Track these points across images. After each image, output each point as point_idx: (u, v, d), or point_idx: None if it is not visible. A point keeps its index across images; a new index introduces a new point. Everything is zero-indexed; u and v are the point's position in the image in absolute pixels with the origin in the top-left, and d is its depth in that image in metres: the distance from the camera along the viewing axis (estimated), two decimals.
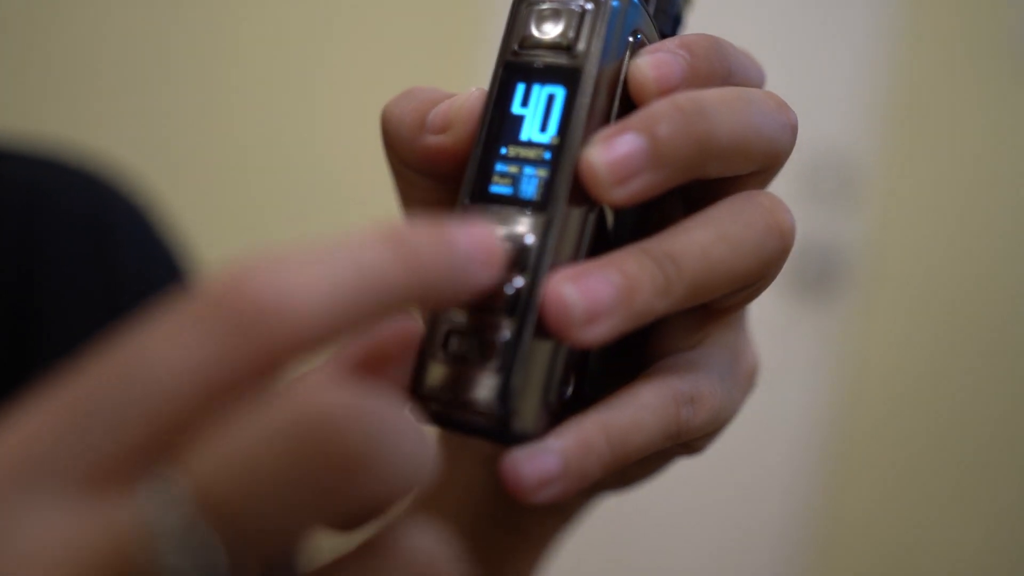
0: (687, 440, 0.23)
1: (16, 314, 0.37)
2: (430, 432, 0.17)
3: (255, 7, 1.32)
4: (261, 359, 0.15)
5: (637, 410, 0.21)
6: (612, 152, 0.20)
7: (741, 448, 1.55)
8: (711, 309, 0.24)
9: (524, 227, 0.20)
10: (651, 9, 0.24)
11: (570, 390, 0.22)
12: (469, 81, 0.24)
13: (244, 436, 0.14)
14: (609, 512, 1.64)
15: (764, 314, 1.58)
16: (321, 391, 0.15)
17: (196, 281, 0.45)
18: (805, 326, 1.49)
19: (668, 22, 0.25)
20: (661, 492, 1.74)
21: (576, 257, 0.21)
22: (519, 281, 0.20)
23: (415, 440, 0.15)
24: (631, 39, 0.21)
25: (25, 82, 1.20)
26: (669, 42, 0.22)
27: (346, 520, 0.17)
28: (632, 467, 0.26)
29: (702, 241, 0.20)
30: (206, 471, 0.14)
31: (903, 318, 1.41)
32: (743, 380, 0.25)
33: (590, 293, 0.19)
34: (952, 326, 1.38)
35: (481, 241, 0.18)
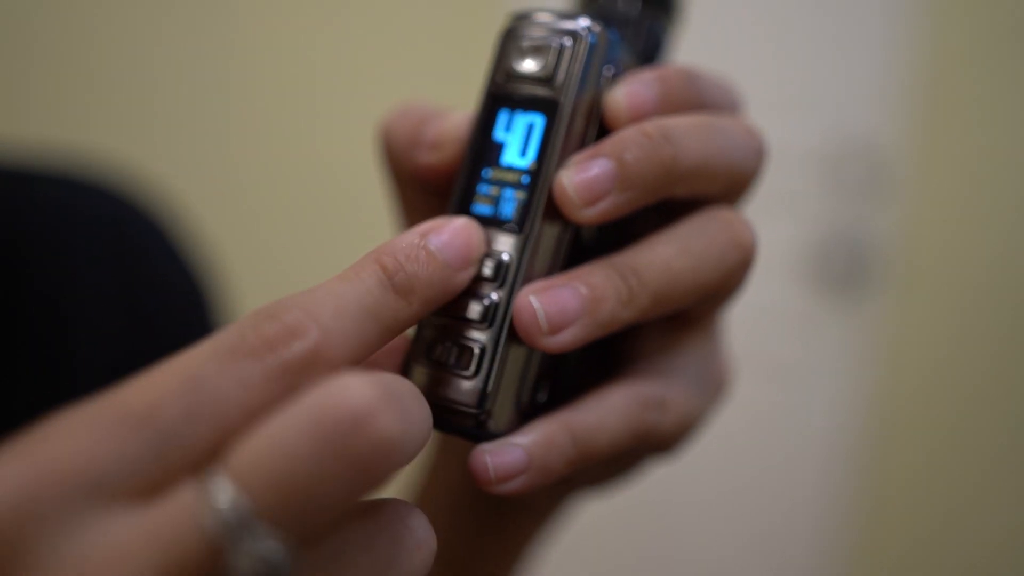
0: (656, 441, 0.24)
1: (45, 331, 0.38)
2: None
3: (270, 16, 1.33)
4: (295, 375, 0.18)
5: (603, 411, 0.23)
6: (582, 175, 0.21)
7: (772, 446, 1.54)
8: (682, 318, 0.25)
9: (502, 245, 0.22)
10: (632, 37, 0.25)
11: (545, 395, 0.24)
12: (474, 88, 0.25)
13: (278, 430, 0.16)
14: (644, 511, 1.63)
15: (793, 310, 1.57)
16: (345, 385, 0.16)
17: (221, 302, 0.46)
18: (835, 322, 1.47)
19: (649, 47, 0.26)
20: (690, 494, 1.73)
21: (551, 272, 0.23)
22: (495, 294, 0.22)
23: (423, 411, 0.18)
24: (609, 70, 0.23)
25: (38, 87, 1.22)
26: (645, 74, 0.23)
27: None
28: (602, 469, 0.27)
29: (665, 254, 0.22)
30: (246, 465, 0.16)
31: (936, 313, 1.39)
32: (713, 387, 0.26)
33: (556, 304, 0.21)
34: (987, 321, 1.35)
35: (461, 246, 0.21)
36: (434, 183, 0.25)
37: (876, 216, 1.43)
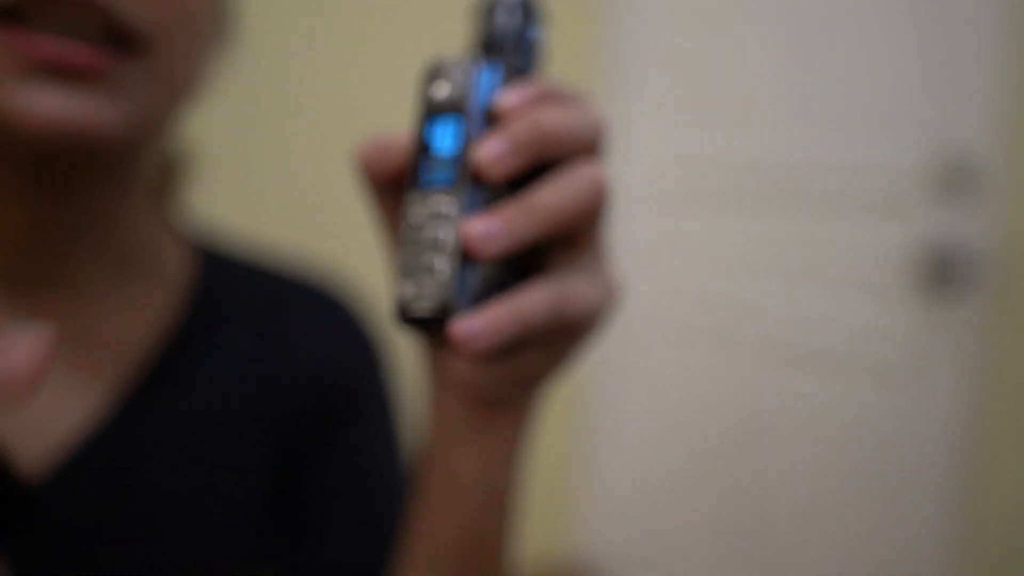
0: (570, 323, 0.35)
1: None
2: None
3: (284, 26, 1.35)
4: None
5: (530, 296, 0.34)
6: (491, 149, 0.34)
7: (880, 447, 1.52)
8: (572, 242, 0.37)
9: (445, 203, 0.34)
10: (514, 47, 0.37)
11: (487, 298, 0.35)
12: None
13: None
14: (754, 509, 1.59)
15: (902, 315, 1.51)
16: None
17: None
18: (939, 325, 1.47)
19: (523, 55, 0.38)
20: (798, 496, 1.68)
21: (479, 211, 0.35)
22: (442, 232, 0.34)
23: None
24: (495, 82, 0.36)
25: None
26: (521, 86, 0.36)
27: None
28: (544, 356, 0.38)
29: (550, 192, 0.34)
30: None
31: None
32: (607, 290, 0.37)
33: (488, 228, 0.33)
34: None
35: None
36: (397, 181, 0.39)
37: (977, 222, 1.43)
